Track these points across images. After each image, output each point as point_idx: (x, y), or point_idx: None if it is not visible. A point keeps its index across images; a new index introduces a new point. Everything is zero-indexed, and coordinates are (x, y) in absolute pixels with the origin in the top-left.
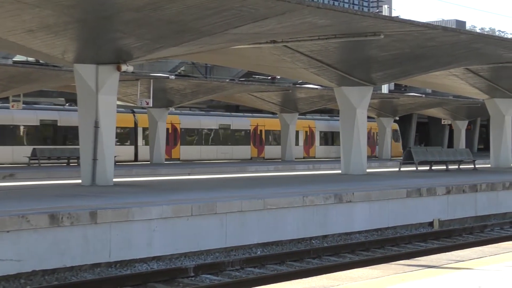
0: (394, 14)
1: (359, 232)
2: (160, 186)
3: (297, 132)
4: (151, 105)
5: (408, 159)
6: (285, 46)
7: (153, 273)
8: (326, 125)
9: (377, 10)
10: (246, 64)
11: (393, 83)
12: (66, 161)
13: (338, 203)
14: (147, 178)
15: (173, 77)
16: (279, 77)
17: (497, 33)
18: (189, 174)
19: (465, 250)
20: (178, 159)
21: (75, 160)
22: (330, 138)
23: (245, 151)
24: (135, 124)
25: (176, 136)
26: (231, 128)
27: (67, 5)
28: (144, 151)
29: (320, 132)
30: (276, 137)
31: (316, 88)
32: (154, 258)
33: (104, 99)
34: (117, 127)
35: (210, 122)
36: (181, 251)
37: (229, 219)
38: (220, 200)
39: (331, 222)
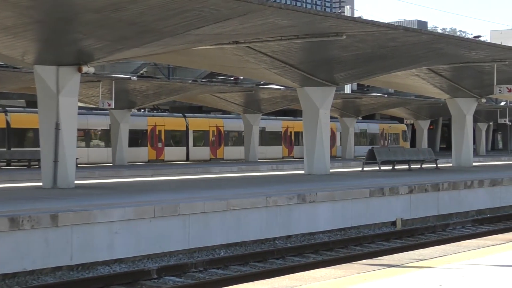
0: (356, 15)
1: (323, 232)
2: (123, 188)
3: (204, 132)
4: (113, 107)
5: (371, 159)
6: (247, 46)
7: (116, 275)
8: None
9: (340, 11)
10: (208, 64)
11: (355, 83)
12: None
13: (301, 204)
14: (110, 180)
15: (135, 78)
16: (242, 77)
17: (458, 34)
18: (152, 176)
19: (427, 249)
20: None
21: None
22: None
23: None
24: (187, 127)
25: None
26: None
27: (26, 6)
28: (194, 151)
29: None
30: (236, 138)
31: (279, 89)
32: (116, 260)
33: (65, 101)
34: (171, 130)
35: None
36: (143, 253)
37: (192, 221)
38: (183, 202)
39: (294, 222)
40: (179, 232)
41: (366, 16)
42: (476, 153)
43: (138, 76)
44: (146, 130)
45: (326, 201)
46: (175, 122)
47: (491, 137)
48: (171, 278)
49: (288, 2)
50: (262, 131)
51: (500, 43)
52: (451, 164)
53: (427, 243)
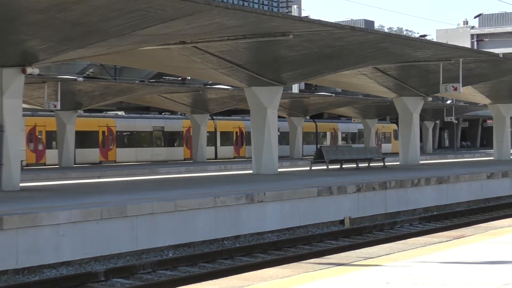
0: (303, 14)
1: (271, 232)
2: (69, 190)
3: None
4: (59, 108)
5: (319, 158)
6: (194, 47)
7: (62, 278)
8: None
9: (287, 10)
10: (155, 65)
11: (303, 82)
12: None
13: (249, 203)
14: (56, 182)
15: (81, 79)
16: (189, 78)
17: (404, 33)
18: (99, 177)
19: (374, 247)
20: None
21: None
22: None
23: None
24: (215, 128)
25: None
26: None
27: None
28: (222, 150)
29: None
30: (177, 139)
31: (227, 89)
32: (63, 263)
33: (9, 103)
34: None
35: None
36: (91, 256)
37: (140, 222)
38: (130, 203)
39: (243, 222)
40: (126, 234)
41: (314, 16)
42: (423, 151)
43: (84, 77)
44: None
45: (275, 200)
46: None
47: (437, 135)
48: (119, 280)
49: (235, 2)
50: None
51: (445, 42)
52: (398, 163)
53: (375, 241)
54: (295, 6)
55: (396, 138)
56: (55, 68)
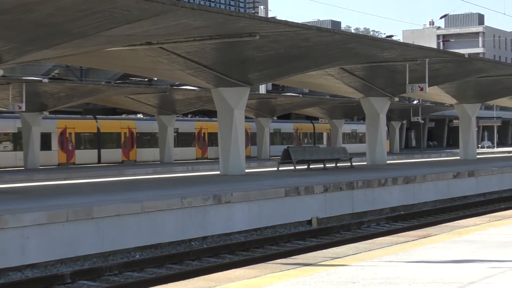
0: (270, 15)
1: (239, 233)
2: (35, 192)
3: (116, 134)
4: (23, 110)
5: (286, 158)
6: (160, 47)
7: (28, 281)
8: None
9: (253, 11)
10: (121, 66)
11: (270, 83)
12: None
13: (217, 204)
14: (21, 184)
15: (46, 80)
16: (156, 79)
17: (371, 33)
18: (65, 179)
19: (341, 247)
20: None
21: None
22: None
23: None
24: (98, 129)
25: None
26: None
27: None
28: (106, 154)
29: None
30: (149, 140)
31: (194, 90)
32: (28, 266)
33: None
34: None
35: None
36: (57, 258)
37: (106, 224)
38: (96, 205)
39: (210, 223)
40: (93, 236)
41: (280, 17)
42: (390, 151)
43: (49, 78)
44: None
45: (242, 201)
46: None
47: (404, 135)
48: (86, 282)
49: (202, 3)
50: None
51: (412, 43)
52: (365, 163)
53: (342, 241)
54: (261, 7)
55: (387, 138)
56: (20, 69)
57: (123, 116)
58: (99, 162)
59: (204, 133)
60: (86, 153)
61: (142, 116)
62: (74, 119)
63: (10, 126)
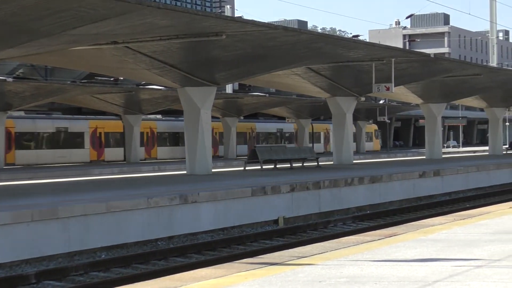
0: (237, 15)
1: (206, 232)
2: None
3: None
4: None
5: (253, 158)
6: (126, 47)
7: None
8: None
9: (220, 11)
10: (86, 65)
11: (237, 83)
12: None
13: (183, 204)
14: None
15: (10, 79)
16: (122, 78)
17: (338, 33)
18: (30, 179)
19: (307, 246)
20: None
21: None
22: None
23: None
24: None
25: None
26: (68, 131)
27: None
28: None
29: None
30: (116, 139)
31: (160, 89)
32: None
33: None
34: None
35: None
36: (21, 258)
37: (72, 223)
38: (62, 204)
39: (177, 223)
40: (58, 236)
41: (247, 16)
42: (356, 150)
43: (14, 77)
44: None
45: (208, 201)
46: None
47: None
48: (51, 282)
49: (168, 2)
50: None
51: (378, 43)
52: (332, 162)
53: (309, 241)
54: (228, 6)
55: (376, 137)
56: None
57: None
58: (124, 159)
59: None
60: (113, 151)
61: (161, 117)
62: (103, 119)
63: None
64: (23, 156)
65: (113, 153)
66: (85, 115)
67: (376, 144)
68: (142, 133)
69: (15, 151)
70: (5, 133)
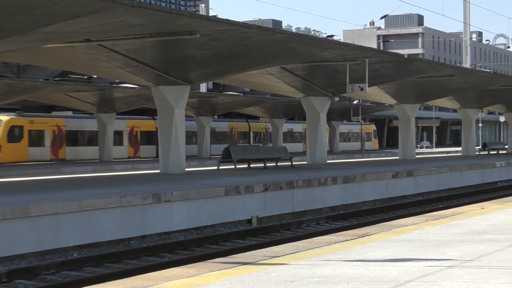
0: (211, 14)
1: (178, 231)
2: None
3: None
4: None
5: (227, 157)
6: (100, 45)
7: None
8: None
9: (194, 9)
10: (60, 63)
11: (211, 82)
12: None
13: (156, 203)
14: None
15: None
16: (96, 76)
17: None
18: (1, 177)
19: (280, 246)
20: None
21: None
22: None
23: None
24: (249, 128)
25: None
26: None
27: None
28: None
29: None
30: (150, 138)
31: (134, 88)
32: None
33: None
34: (238, 131)
35: None
36: None
37: (43, 222)
38: (33, 203)
39: (149, 222)
40: (30, 234)
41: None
42: (330, 150)
43: None
44: None
45: (182, 200)
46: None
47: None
48: (22, 281)
49: (143, 0)
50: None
51: (352, 43)
52: (305, 162)
53: (282, 240)
54: (202, 5)
55: (375, 137)
56: None
57: None
58: (157, 156)
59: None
60: (148, 148)
61: (72, 113)
62: (138, 119)
63: None
64: (71, 152)
65: (147, 150)
66: (122, 115)
67: (374, 143)
68: (46, 132)
69: (66, 147)
70: (58, 131)
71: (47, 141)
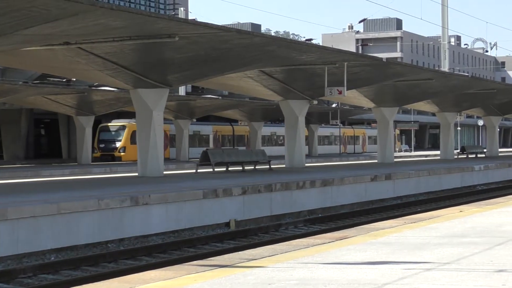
0: (190, 17)
1: (156, 234)
2: None
3: None
4: None
5: (205, 160)
6: (79, 47)
7: None
8: None
9: (173, 13)
10: (38, 66)
11: (190, 85)
12: None
13: (134, 206)
14: None
15: None
16: (75, 79)
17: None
18: None
19: (258, 249)
20: None
21: None
22: None
23: None
24: (233, 131)
25: None
26: (200, 133)
27: None
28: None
29: None
30: (229, 140)
31: (113, 91)
32: None
33: None
34: (222, 134)
35: None
36: None
37: (20, 225)
38: (11, 206)
39: (127, 225)
40: (7, 237)
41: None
42: (309, 154)
43: None
44: None
45: (160, 203)
46: None
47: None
48: None
49: (122, 3)
50: None
51: (331, 46)
52: (284, 165)
53: (260, 243)
54: (182, 9)
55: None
56: None
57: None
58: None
59: None
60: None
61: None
62: (219, 124)
63: None
64: (171, 152)
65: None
66: (208, 121)
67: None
68: None
69: (169, 148)
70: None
71: None
